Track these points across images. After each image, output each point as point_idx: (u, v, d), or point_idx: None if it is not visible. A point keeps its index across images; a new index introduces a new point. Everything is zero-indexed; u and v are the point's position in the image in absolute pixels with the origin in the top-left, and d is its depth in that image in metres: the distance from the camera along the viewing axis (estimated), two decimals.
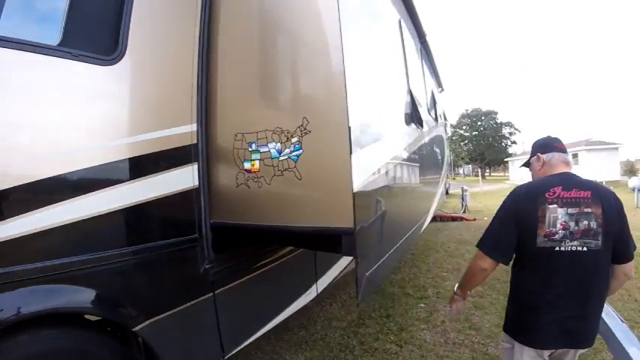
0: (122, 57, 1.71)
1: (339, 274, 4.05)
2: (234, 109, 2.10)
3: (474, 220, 11.24)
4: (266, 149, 1.94)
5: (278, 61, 2.02)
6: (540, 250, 1.62)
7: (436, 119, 5.92)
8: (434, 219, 10.43)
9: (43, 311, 1.48)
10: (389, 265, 2.48)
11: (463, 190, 14.07)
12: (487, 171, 60.86)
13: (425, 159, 4.27)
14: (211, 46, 2.11)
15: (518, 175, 45.12)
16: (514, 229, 1.68)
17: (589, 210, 1.60)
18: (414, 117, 3.17)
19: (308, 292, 3.27)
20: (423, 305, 4.48)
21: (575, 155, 29.23)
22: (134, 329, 1.77)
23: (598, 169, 26.75)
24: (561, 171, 1.78)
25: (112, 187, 1.70)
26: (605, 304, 1.84)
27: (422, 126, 3.66)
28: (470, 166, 46.27)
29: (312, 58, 1.88)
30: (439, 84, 7.72)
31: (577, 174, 1.77)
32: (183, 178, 1.99)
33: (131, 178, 1.76)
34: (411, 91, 3.13)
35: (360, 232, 1.69)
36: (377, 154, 2.15)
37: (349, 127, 1.63)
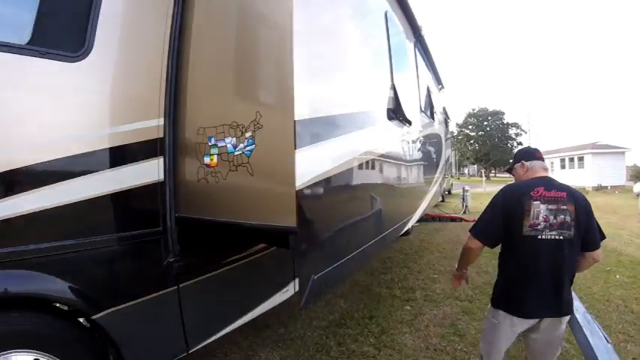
0: (89, 53, 1.75)
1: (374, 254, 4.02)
2: (199, 103, 2.09)
3: (474, 220, 10.88)
4: (223, 144, 1.92)
5: (238, 56, 1.99)
6: (525, 237, 1.98)
7: (432, 117, 5.77)
8: (432, 219, 10.33)
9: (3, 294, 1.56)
10: (348, 268, 2.29)
11: (464, 191, 13.87)
12: (492, 172, 60.26)
13: (412, 157, 4.11)
14: (183, 43, 2.11)
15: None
16: (501, 220, 2.05)
17: (565, 207, 1.98)
18: (397, 113, 3.02)
19: (285, 289, 3.19)
20: (408, 308, 4.35)
21: (580, 159, 28.74)
22: (94, 317, 1.80)
23: (603, 174, 26.25)
24: (542, 175, 2.19)
25: (77, 178, 1.74)
26: (594, 323, 2.30)
27: (408, 123, 3.51)
28: (475, 166, 45.59)
29: (266, 51, 1.88)
30: (438, 81, 7.54)
31: (555, 178, 2.17)
32: (148, 172, 2.00)
33: (96, 170, 1.81)
34: (394, 86, 2.98)
35: (305, 231, 1.67)
36: (337, 151, 2.06)
37: (294, 122, 1.59)
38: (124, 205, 1.95)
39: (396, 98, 2.94)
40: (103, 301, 1.85)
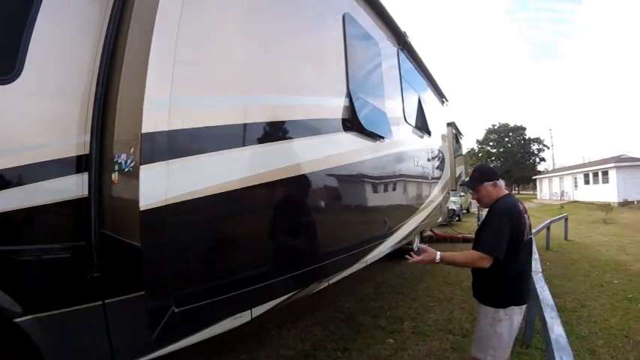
0: (19, 76, 1.76)
1: (286, 298, 3.60)
2: (118, 120, 2.00)
3: None
4: (120, 160, 1.84)
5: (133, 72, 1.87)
6: (526, 242, 2.42)
7: (426, 130, 5.35)
8: (444, 239, 9.66)
9: None
10: (232, 309, 2.11)
11: (479, 210, 13.09)
12: (516, 189, 57.88)
13: (382, 174, 3.69)
14: (113, 63, 2.06)
15: (546, 192, 42.98)
16: (509, 236, 2.33)
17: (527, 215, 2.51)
18: (354, 125, 2.68)
19: (237, 315, 2.90)
20: (391, 341, 3.87)
21: (605, 173, 26.95)
22: (15, 320, 1.75)
23: (629, 188, 24.58)
24: (507, 192, 2.63)
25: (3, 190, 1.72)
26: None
27: (379, 137, 3.16)
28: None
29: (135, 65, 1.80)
30: (440, 94, 7.13)
31: None
32: (73, 187, 1.95)
33: (21, 184, 1.77)
34: (350, 94, 2.65)
35: (154, 256, 1.56)
36: (217, 168, 1.84)
37: (141, 135, 1.50)
38: (48, 217, 1.90)
39: (352, 109, 2.60)
40: (27, 306, 1.78)
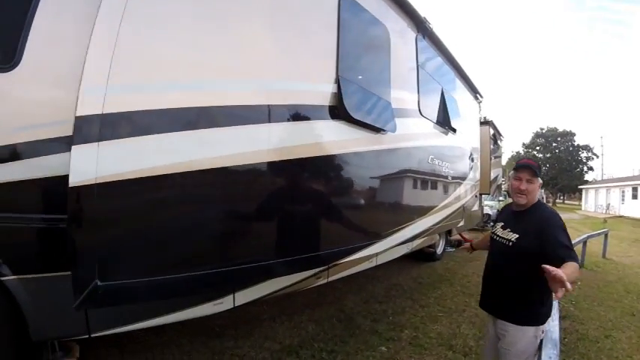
0: (18, 64, 1.80)
1: (267, 294, 3.44)
2: None
3: None
4: None
5: None
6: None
7: (448, 126, 4.85)
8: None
9: None
10: (168, 292, 1.98)
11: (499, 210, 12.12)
12: (560, 198, 53.40)
13: (387, 170, 3.36)
14: None
15: (591, 204, 39.06)
16: None
17: None
18: (340, 113, 2.40)
19: (219, 301, 2.84)
20: (384, 349, 3.56)
21: None
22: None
23: None
24: None
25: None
26: None
27: (376, 129, 2.84)
28: (543, 190, 40.19)
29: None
30: (472, 89, 6.51)
31: None
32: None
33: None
34: (339, 80, 2.37)
35: (81, 230, 1.59)
36: (152, 151, 1.77)
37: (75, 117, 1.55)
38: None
39: (339, 96, 2.33)
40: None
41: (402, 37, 3.56)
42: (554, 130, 50.99)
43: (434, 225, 4.62)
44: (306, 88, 2.35)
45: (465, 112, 5.96)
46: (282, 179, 2.37)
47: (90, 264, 1.62)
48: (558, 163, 49.23)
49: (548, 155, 50.68)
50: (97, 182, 1.57)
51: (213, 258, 2.12)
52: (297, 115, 2.31)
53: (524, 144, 53.52)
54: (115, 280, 1.65)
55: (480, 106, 7.13)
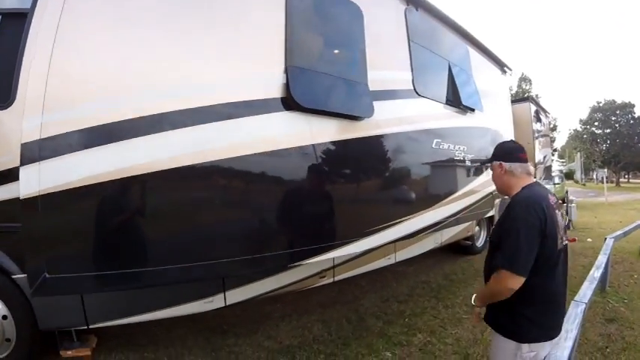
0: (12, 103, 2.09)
1: (262, 293, 3.29)
2: None
3: (574, 240, 7.83)
4: None
5: None
6: (559, 251, 1.68)
7: (462, 106, 4.19)
8: None
9: None
10: (112, 285, 2.12)
11: (568, 201, 10.31)
12: (625, 177, 45.84)
13: (371, 160, 2.98)
14: None
15: None
16: (538, 243, 1.62)
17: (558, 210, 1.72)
18: (291, 104, 2.12)
19: (209, 299, 2.94)
20: (388, 355, 3.24)
21: None
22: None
23: None
24: (530, 181, 1.82)
25: None
26: None
27: (347, 116, 2.50)
28: (605, 169, 34.05)
29: None
30: (495, 62, 5.63)
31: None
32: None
33: None
34: (289, 69, 2.09)
35: (30, 234, 1.83)
36: (93, 162, 1.93)
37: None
38: None
39: (286, 84, 2.07)
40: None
41: (381, 13, 3.11)
42: (612, 102, 44.17)
43: (450, 216, 4.03)
44: (248, 83, 2.17)
45: (488, 89, 5.16)
46: (220, 180, 2.23)
47: (39, 260, 1.85)
48: (619, 138, 42.74)
49: (607, 131, 44.19)
50: (40, 194, 1.81)
51: (152, 256, 2.14)
52: (237, 112, 2.14)
53: (581, 120, 47.37)
54: (59, 273, 1.86)
55: (508, 80, 6.18)
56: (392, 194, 3.28)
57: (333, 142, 2.63)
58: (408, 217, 3.37)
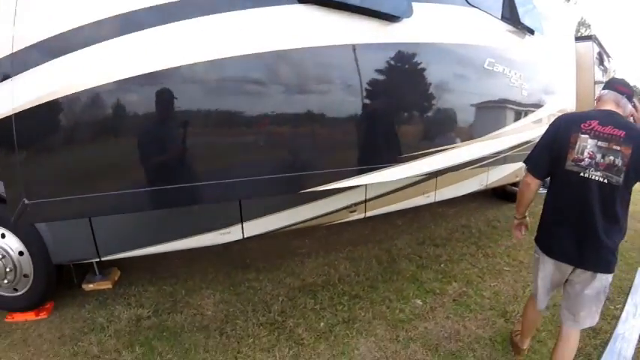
0: None
1: (279, 227, 3.04)
2: None
3: None
4: None
5: None
6: (568, 172, 1.70)
7: (521, 26, 3.28)
8: None
9: None
10: (88, 210, 1.87)
11: None
12: None
13: (392, 74, 2.33)
14: None
15: None
16: (550, 152, 1.77)
17: (618, 148, 1.62)
18: None
19: (225, 230, 2.79)
20: (418, 303, 2.94)
21: None
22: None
23: None
24: (607, 108, 1.76)
25: None
26: None
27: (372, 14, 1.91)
28: None
29: None
30: None
31: (621, 115, 1.73)
32: None
33: None
34: None
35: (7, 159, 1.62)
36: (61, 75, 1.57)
37: None
38: None
39: None
40: None
41: None
42: None
43: (498, 152, 3.34)
44: None
45: (550, 14, 4.06)
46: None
47: (18, 186, 1.66)
48: None
49: None
50: (15, 112, 1.54)
51: (131, 178, 1.83)
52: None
53: None
54: (39, 198, 1.67)
55: (573, 10, 4.93)
56: (432, 117, 2.67)
57: (360, 46, 2.03)
58: (450, 146, 2.77)
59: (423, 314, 2.80)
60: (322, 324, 2.66)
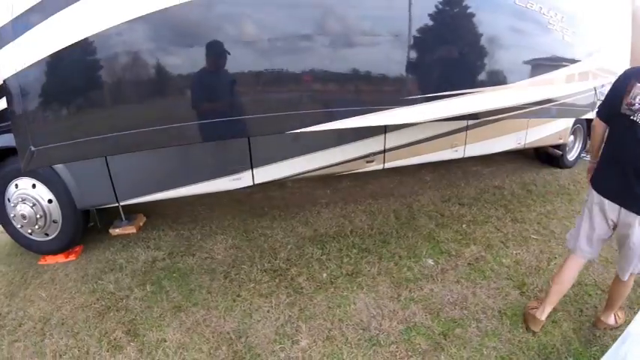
0: None
1: (290, 174, 2.95)
2: None
3: None
4: None
5: None
6: (622, 115, 1.80)
7: None
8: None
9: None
10: (86, 151, 1.93)
11: None
12: None
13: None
14: None
15: None
16: (612, 98, 1.88)
17: None
18: None
19: (236, 176, 2.82)
20: (430, 263, 2.80)
21: None
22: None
23: None
24: None
25: None
26: None
27: None
28: None
29: None
30: None
31: None
32: None
33: None
34: None
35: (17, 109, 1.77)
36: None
37: None
38: None
39: None
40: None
41: None
42: None
43: (535, 103, 2.81)
44: None
45: None
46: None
47: (24, 135, 1.80)
48: None
49: None
50: (17, 71, 1.69)
51: (137, 119, 1.87)
52: None
53: None
54: (43, 145, 1.80)
55: None
56: (452, 52, 2.28)
57: None
58: (477, 89, 2.37)
59: (431, 275, 2.66)
60: (325, 275, 2.63)
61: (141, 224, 3.24)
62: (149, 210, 3.42)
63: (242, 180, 2.78)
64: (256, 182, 2.84)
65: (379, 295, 2.43)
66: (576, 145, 5.28)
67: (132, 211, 3.19)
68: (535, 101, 2.80)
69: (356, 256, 2.84)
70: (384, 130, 3.14)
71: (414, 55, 2.14)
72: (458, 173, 4.68)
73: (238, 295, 2.37)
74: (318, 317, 2.21)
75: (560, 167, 5.08)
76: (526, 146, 4.36)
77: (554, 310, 2.19)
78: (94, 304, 2.30)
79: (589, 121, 4.79)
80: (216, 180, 2.74)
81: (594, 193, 1.95)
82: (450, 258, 2.87)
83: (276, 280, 2.52)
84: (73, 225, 2.71)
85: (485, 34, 2.35)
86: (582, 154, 5.41)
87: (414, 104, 2.10)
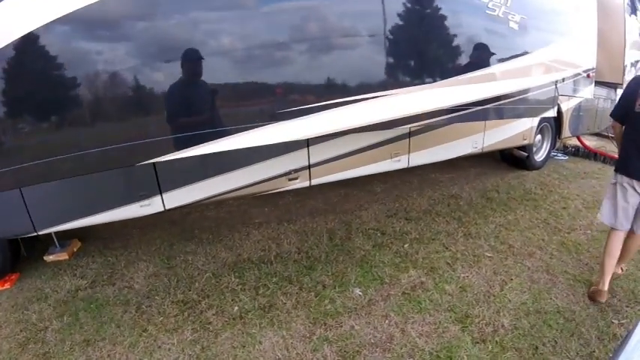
0: None
1: (204, 197, 2.55)
2: None
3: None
4: None
5: None
6: (636, 113, 2.19)
7: None
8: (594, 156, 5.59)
9: None
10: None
11: None
12: None
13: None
14: None
15: None
16: (625, 102, 2.29)
17: None
18: None
19: (145, 202, 2.52)
20: (358, 292, 2.34)
21: None
22: None
23: None
24: None
25: None
26: None
27: None
28: None
29: None
30: None
31: None
32: None
33: None
34: None
35: None
36: None
37: None
38: None
39: None
40: None
41: None
42: None
43: (480, 102, 2.36)
44: None
45: None
46: None
47: None
48: None
49: None
50: None
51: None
52: None
53: None
54: None
55: None
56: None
57: None
58: (391, 91, 1.90)
59: (356, 308, 2.20)
60: (236, 308, 2.21)
61: (75, 249, 2.97)
62: (85, 234, 3.03)
63: (151, 206, 2.49)
64: (167, 208, 2.53)
65: (290, 334, 2.00)
66: (544, 144, 4.87)
67: (67, 236, 2.92)
68: (469, 102, 2.37)
69: (274, 285, 2.39)
70: (305, 143, 2.70)
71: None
72: (413, 182, 4.25)
73: (145, 330, 2.08)
74: (218, 358, 1.86)
75: (528, 169, 4.66)
76: (485, 150, 3.94)
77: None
78: (18, 335, 2.10)
79: (558, 119, 4.41)
80: (126, 207, 2.47)
81: (620, 175, 2.26)
82: (381, 286, 2.41)
83: (185, 314, 2.19)
84: (2, 255, 2.55)
85: (389, 21, 1.92)
86: (553, 153, 5.01)
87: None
